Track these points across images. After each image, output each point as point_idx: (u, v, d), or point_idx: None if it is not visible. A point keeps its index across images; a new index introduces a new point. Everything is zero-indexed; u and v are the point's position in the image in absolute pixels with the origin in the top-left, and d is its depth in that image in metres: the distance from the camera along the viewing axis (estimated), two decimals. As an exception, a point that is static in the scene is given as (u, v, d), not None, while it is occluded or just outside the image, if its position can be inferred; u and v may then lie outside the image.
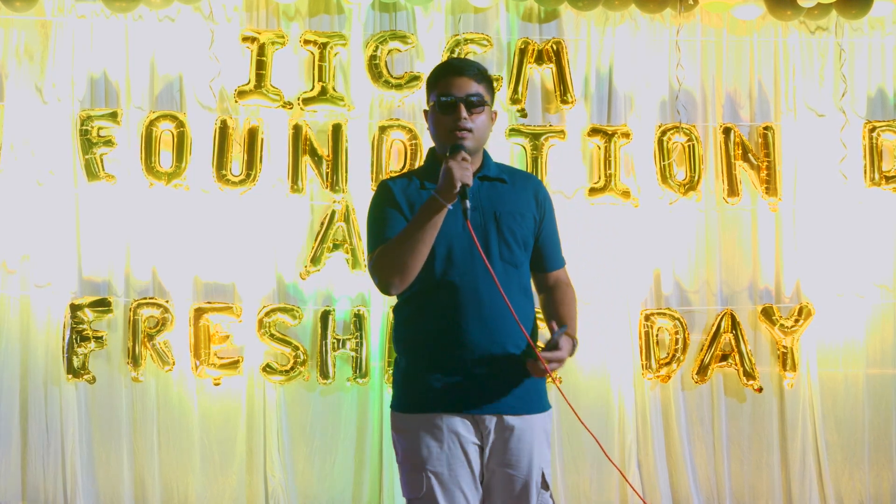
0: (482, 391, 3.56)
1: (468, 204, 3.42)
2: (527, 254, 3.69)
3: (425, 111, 3.71)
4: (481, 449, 3.60)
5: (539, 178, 6.54)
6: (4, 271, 6.46)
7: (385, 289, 3.56)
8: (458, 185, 3.39)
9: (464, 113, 3.55)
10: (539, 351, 3.48)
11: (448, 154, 3.48)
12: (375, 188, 3.78)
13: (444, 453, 3.55)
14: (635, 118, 6.82)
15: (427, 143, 6.53)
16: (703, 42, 6.91)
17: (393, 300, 6.34)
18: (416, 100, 6.64)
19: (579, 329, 3.81)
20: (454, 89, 3.58)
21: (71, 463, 6.43)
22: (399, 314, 3.72)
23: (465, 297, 3.55)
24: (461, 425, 3.56)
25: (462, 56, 6.54)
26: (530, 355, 3.51)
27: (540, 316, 3.84)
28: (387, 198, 3.65)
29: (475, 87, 3.59)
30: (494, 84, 3.86)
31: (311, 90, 6.55)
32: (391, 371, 6.37)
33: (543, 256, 3.77)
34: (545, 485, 3.65)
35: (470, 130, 3.55)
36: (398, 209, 3.61)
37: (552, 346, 3.49)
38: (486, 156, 3.71)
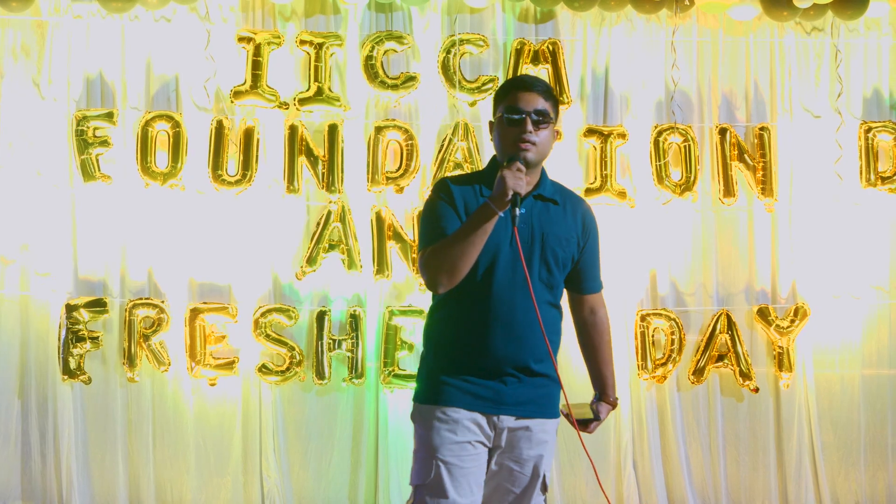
0: (503, 394, 3.78)
1: (518, 212, 3.60)
2: (564, 273, 3.89)
3: (491, 122, 3.89)
4: (490, 451, 3.81)
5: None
6: (0, 270, 6.58)
7: (433, 287, 3.75)
8: (510, 193, 3.57)
9: (529, 126, 3.73)
10: (574, 411, 3.88)
11: (504, 163, 3.67)
12: (434, 184, 3.98)
13: (456, 444, 3.75)
14: (631, 118, 6.97)
15: (423, 143, 6.70)
16: (699, 43, 7.07)
17: (391, 301, 6.51)
18: (412, 100, 6.79)
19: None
20: (522, 103, 3.76)
21: (67, 463, 6.55)
22: (434, 313, 3.92)
23: (499, 308, 3.75)
24: (477, 424, 3.77)
25: (458, 56, 6.68)
26: (568, 420, 3.87)
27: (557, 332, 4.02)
28: (446, 196, 3.83)
29: (542, 104, 3.78)
30: (559, 106, 4.03)
31: (307, 90, 6.69)
32: (388, 371, 6.52)
33: (581, 279, 3.97)
34: (545, 487, 3.88)
35: (534, 144, 3.73)
36: (454, 208, 3.79)
37: (595, 416, 3.95)
38: (543, 175, 3.89)
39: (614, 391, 4.01)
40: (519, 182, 3.58)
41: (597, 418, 3.94)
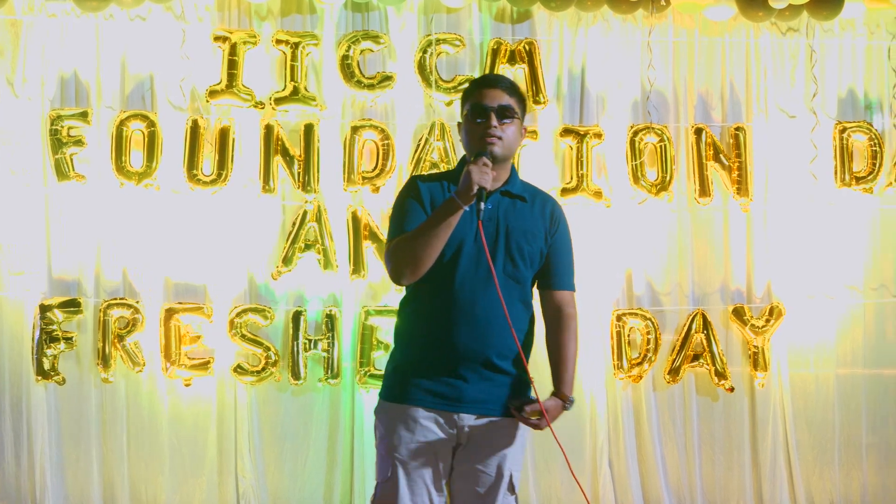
0: (464, 391, 3.81)
1: (483, 206, 3.67)
2: (532, 270, 3.92)
3: (459, 123, 3.97)
4: (453, 449, 3.84)
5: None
6: (-28, 272, 6.59)
7: (396, 278, 3.82)
8: (476, 188, 3.63)
9: (494, 121, 3.81)
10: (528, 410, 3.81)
11: (471, 159, 3.73)
12: (405, 182, 4.04)
13: (414, 444, 3.79)
14: (607, 119, 7.02)
15: (400, 143, 6.73)
16: (675, 43, 7.12)
17: (367, 301, 6.53)
18: (389, 100, 6.83)
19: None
20: (487, 100, 3.85)
21: (40, 464, 6.56)
22: (402, 309, 3.98)
23: (460, 301, 3.80)
24: (437, 423, 3.81)
25: (435, 56, 6.71)
26: (519, 410, 3.82)
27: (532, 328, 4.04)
28: (413, 193, 3.91)
29: (507, 99, 3.86)
30: (526, 102, 4.05)
31: (283, 90, 6.71)
32: (364, 371, 6.54)
33: (550, 273, 3.98)
34: (512, 488, 3.89)
35: (500, 138, 3.81)
36: (421, 205, 3.86)
37: (531, 398, 3.86)
38: (513, 172, 3.96)
39: (570, 390, 3.95)
40: (485, 177, 3.64)
41: (532, 401, 3.83)
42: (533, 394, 3.88)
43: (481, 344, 3.79)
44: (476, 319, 3.78)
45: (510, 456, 3.87)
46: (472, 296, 3.78)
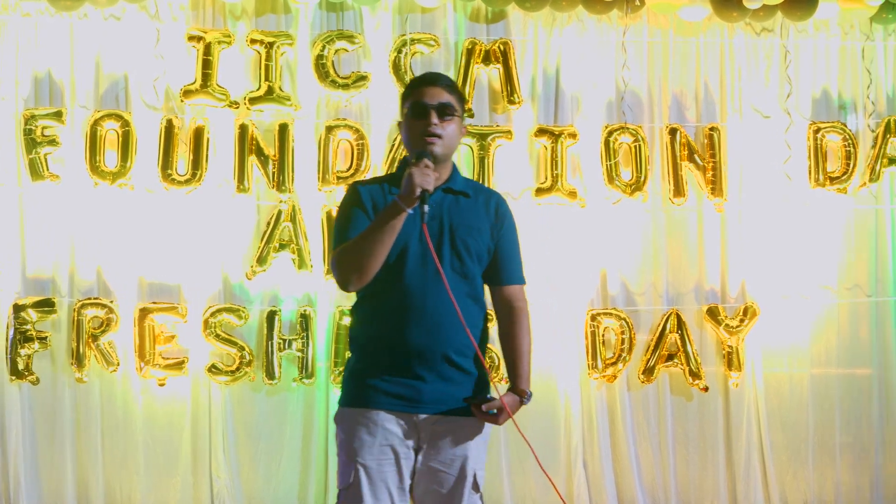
0: (421, 392, 3.79)
1: (426, 209, 3.64)
2: (480, 266, 3.91)
3: (399, 123, 3.95)
4: (415, 451, 3.83)
5: (486, 178, 6.80)
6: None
7: (344, 286, 3.81)
8: (418, 190, 3.62)
9: (434, 119, 3.79)
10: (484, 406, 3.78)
11: (412, 161, 3.72)
12: (347, 190, 4.01)
13: (375, 448, 3.77)
14: (582, 119, 7.05)
15: (374, 143, 6.74)
16: (650, 43, 7.16)
17: (341, 301, 6.55)
18: (363, 99, 6.86)
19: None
20: (426, 98, 3.83)
21: (14, 464, 6.56)
22: (355, 313, 3.96)
23: (410, 299, 3.77)
24: (396, 425, 3.79)
25: (409, 56, 6.74)
26: (475, 405, 3.79)
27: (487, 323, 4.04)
28: (354, 199, 3.89)
29: (446, 97, 3.84)
30: (465, 100, 4.04)
31: (258, 90, 6.73)
32: (338, 370, 6.56)
33: (499, 269, 3.97)
34: (476, 487, 3.87)
35: (440, 136, 3.79)
36: (364, 210, 3.83)
37: (487, 397, 3.82)
38: (454, 170, 3.94)
39: (527, 384, 3.91)
40: (427, 179, 3.62)
41: (490, 398, 3.79)
42: (493, 390, 3.88)
43: (435, 342, 3.77)
44: (427, 318, 3.76)
45: (472, 455, 3.85)
46: (422, 295, 3.77)
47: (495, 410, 3.80)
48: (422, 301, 3.77)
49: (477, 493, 3.87)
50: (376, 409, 3.79)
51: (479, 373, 3.88)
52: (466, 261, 3.84)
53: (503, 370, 6.65)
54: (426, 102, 3.81)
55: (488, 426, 3.91)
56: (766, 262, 7.15)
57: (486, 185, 6.78)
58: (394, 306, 3.78)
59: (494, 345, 6.07)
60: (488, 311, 3.93)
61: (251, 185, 6.71)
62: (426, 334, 3.77)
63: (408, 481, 3.82)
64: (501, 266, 3.96)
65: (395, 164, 6.65)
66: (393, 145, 6.75)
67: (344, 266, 3.75)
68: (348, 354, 3.99)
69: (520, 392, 3.89)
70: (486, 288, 3.97)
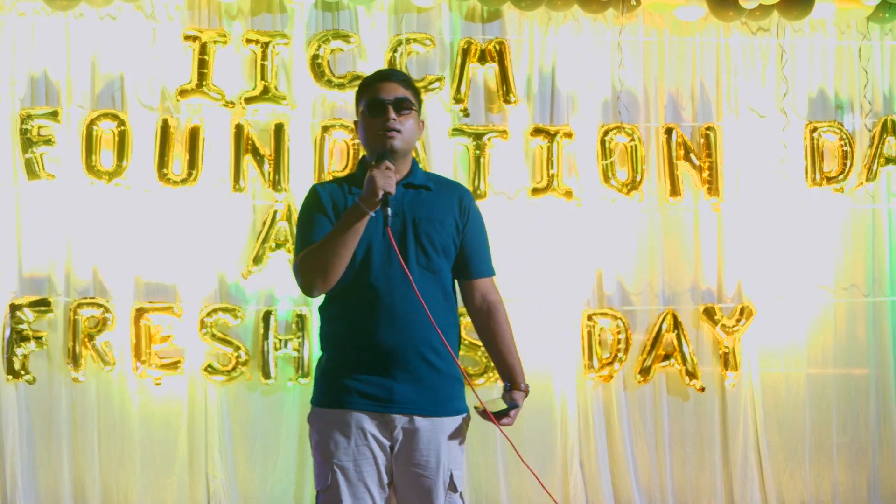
0: (394, 392, 3.77)
1: (389, 212, 3.63)
2: (447, 260, 3.89)
3: (356, 122, 3.94)
4: (391, 448, 3.81)
5: (482, 177, 6.79)
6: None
7: (307, 291, 3.79)
8: (381, 193, 3.60)
9: (392, 114, 3.78)
10: (487, 403, 3.77)
11: (373, 162, 3.70)
12: (307, 193, 3.99)
13: (350, 449, 3.75)
14: (578, 118, 7.06)
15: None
16: (646, 43, 7.17)
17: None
18: (359, 99, 6.83)
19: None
20: (382, 93, 3.82)
21: (11, 463, 6.57)
22: (322, 314, 3.94)
23: (380, 299, 3.76)
24: (371, 424, 3.77)
25: (405, 56, 6.76)
26: (485, 417, 3.79)
27: (462, 320, 4.03)
28: (315, 202, 3.87)
29: (403, 92, 3.83)
30: (422, 95, 4.01)
31: (254, 89, 6.75)
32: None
33: (467, 262, 3.95)
34: (453, 487, 3.84)
35: (399, 131, 3.78)
36: (325, 214, 3.81)
37: (510, 405, 3.81)
38: (414, 164, 3.93)
39: (523, 378, 3.92)
40: (389, 182, 3.60)
41: (514, 406, 3.83)
42: (476, 397, 3.80)
43: (408, 341, 3.76)
44: (398, 317, 3.75)
45: (448, 455, 3.82)
46: (390, 294, 3.75)
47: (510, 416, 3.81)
48: (391, 301, 3.75)
49: (456, 493, 3.84)
50: (350, 409, 3.76)
51: (453, 371, 3.85)
52: (432, 255, 3.82)
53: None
54: (383, 98, 3.79)
55: (460, 426, 3.88)
56: (763, 262, 7.16)
57: (483, 183, 6.81)
58: (363, 307, 3.76)
59: (474, 337, 6.10)
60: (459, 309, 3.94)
61: (247, 184, 6.72)
62: (398, 334, 3.75)
63: (386, 479, 3.81)
64: (470, 260, 3.94)
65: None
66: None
67: (307, 271, 3.73)
68: (319, 354, 3.99)
69: (524, 389, 3.90)
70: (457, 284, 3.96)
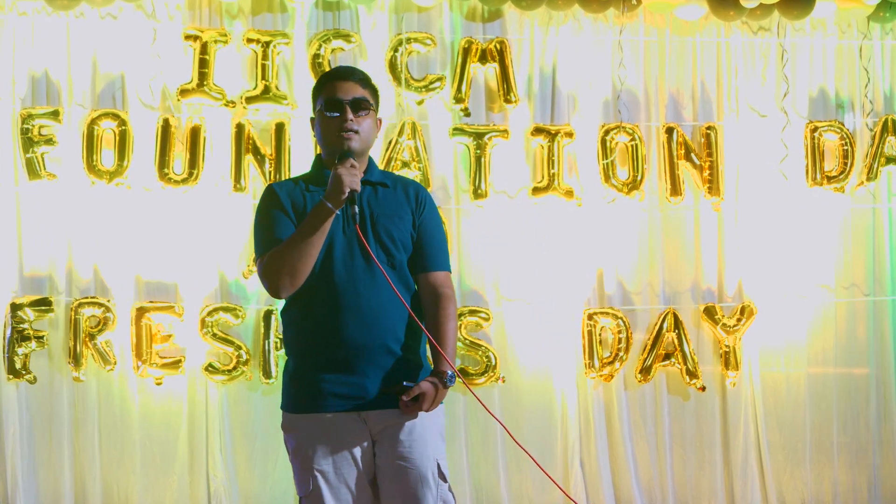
0: (368, 389, 3.79)
1: (356, 209, 3.68)
2: (406, 254, 3.92)
3: (312, 119, 3.97)
4: (371, 447, 3.83)
5: (482, 177, 6.84)
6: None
7: (275, 292, 3.80)
8: (347, 191, 3.64)
9: (350, 115, 3.81)
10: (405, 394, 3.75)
11: (337, 161, 3.73)
12: (262, 194, 4.00)
13: (330, 452, 3.78)
14: (578, 118, 7.11)
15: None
16: (646, 42, 7.21)
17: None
18: (360, 100, 6.86)
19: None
20: (340, 93, 3.85)
21: (11, 463, 6.60)
22: (285, 316, 3.96)
23: (344, 296, 3.78)
24: (348, 424, 3.79)
25: (406, 55, 6.80)
26: (401, 393, 3.76)
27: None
28: (273, 201, 3.89)
29: (360, 91, 3.87)
30: (379, 94, 4.03)
31: (254, 89, 6.78)
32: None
33: (423, 255, 3.96)
34: (443, 476, 3.86)
35: (356, 132, 3.81)
36: (284, 212, 3.84)
37: (408, 385, 3.77)
38: (371, 162, 3.97)
39: (448, 367, 3.83)
40: (354, 180, 3.64)
41: (412, 386, 3.75)
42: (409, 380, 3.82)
43: (376, 336, 3.77)
44: (365, 313, 3.75)
45: (430, 445, 3.82)
46: (354, 291, 3.76)
47: (417, 397, 3.74)
48: (355, 297, 3.76)
49: (445, 483, 3.85)
50: (325, 412, 3.77)
51: (418, 360, 3.86)
52: (392, 250, 3.85)
53: (499, 370, 6.78)
54: (340, 98, 3.81)
55: (438, 416, 3.88)
56: (764, 262, 7.21)
57: (484, 183, 6.86)
58: (327, 306, 3.77)
59: (475, 337, 6.13)
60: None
61: (248, 183, 6.75)
62: (366, 329, 3.76)
63: (368, 476, 3.81)
64: (424, 252, 3.95)
65: (389, 164, 6.73)
66: (389, 145, 6.81)
67: (274, 272, 3.73)
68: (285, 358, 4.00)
69: (441, 373, 3.82)
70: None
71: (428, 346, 3.95)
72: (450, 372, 3.84)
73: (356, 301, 3.76)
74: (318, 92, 3.92)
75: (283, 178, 6.67)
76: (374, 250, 3.81)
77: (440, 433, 3.91)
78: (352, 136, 3.79)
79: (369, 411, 3.79)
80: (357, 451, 3.79)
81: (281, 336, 6.66)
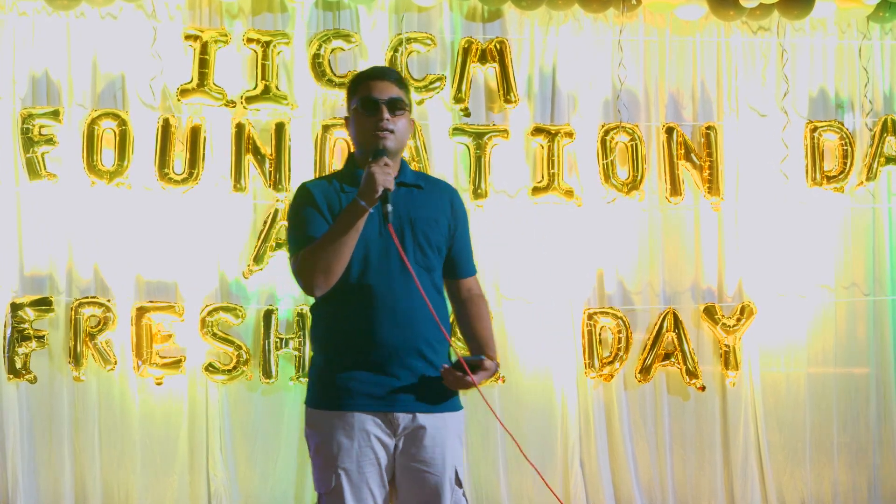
0: (395, 390, 3.80)
1: (389, 208, 3.67)
2: (440, 259, 3.94)
3: (346, 118, 3.97)
4: (394, 449, 3.83)
5: (482, 177, 6.86)
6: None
7: (310, 290, 3.79)
8: (381, 189, 3.63)
9: (386, 114, 3.80)
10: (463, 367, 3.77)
11: (371, 159, 3.72)
12: (295, 191, 4.01)
13: (354, 451, 3.77)
14: (578, 118, 7.14)
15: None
16: (646, 42, 7.25)
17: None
18: (360, 99, 6.89)
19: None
20: (376, 92, 3.84)
21: (12, 463, 6.62)
22: (316, 313, 3.95)
23: (379, 298, 3.78)
24: (373, 423, 3.79)
25: (406, 55, 6.83)
26: (459, 369, 3.76)
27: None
28: (307, 200, 3.87)
29: (396, 92, 3.86)
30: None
31: (254, 89, 6.81)
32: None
33: (456, 264, 4.01)
34: (458, 482, 3.88)
35: (392, 132, 3.81)
36: (319, 211, 3.82)
37: (476, 366, 3.78)
38: (403, 163, 3.96)
39: (494, 353, 3.92)
40: (388, 178, 3.63)
41: (481, 358, 3.80)
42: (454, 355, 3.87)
43: (408, 338, 3.78)
44: (399, 314, 3.76)
45: (450, 450, 3.84)
46: (389, 292, 3.77)
47: (476, 367, 3.77)
48: (391, 298, 3.77)
49: (460, 490, 3.87)
50: (352, 410, 3.77)
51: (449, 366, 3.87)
52: (429, 253, 3.86)
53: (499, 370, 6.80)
54: (377, 97, 3.80)
55: (460, 421, 3.92)
56: (763, 261, 7.24)
57: (484, 183, 6.88)
58: (361, 306, 3.77)
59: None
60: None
61: (248, 183, 6.78)
62: (399, 331, 3.77)
63: (387, 477, 3.82)
64: (458, 260, 4.00)
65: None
66: (389, 145, 6.82)
67: (309, 270, 3.72)
68: (311, 354, 4.03)
69: (492, 357, 3.90)
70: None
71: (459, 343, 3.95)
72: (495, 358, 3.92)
73: (391, 302, 3.77)
74: (353, 91, 3.91)
75: (282, 178, 6.73)
76: (413, 253, 3.82)
77: (459, 437, 3.93)
78: (387, 135, 3.78)
79: (396, 413, 3.80)
80: (381, 452, 3.79)
81: (283, 336, 6.72)
